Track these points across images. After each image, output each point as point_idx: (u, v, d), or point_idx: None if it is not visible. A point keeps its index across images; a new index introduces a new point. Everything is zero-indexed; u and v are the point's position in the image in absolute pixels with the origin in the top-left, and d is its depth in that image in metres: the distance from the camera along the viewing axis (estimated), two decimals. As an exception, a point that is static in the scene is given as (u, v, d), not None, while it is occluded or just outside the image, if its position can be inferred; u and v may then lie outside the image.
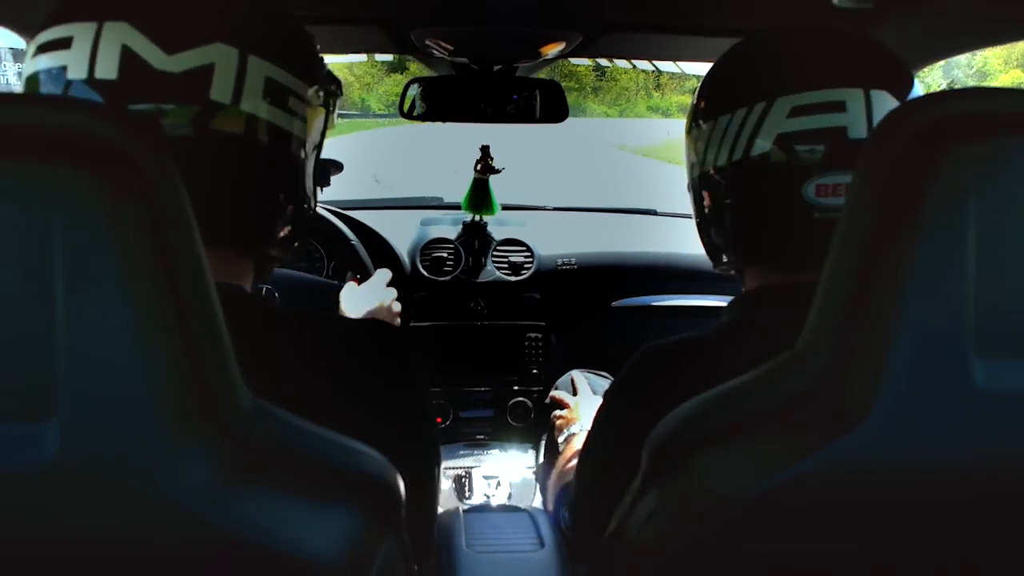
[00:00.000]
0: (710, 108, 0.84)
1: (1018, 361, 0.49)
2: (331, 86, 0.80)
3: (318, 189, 0.84)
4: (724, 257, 0.90)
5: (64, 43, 0.64)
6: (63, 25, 0.65)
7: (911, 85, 0.79)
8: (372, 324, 0.80)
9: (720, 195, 0.84)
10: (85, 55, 0.63)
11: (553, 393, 1.56)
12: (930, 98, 0.51)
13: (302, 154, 0.75)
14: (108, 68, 0.63)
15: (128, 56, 0.63)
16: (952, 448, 0.51)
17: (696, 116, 0.87)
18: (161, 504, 0.45)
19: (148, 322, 0.44)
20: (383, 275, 1.45)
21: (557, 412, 1.46)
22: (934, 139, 0.49)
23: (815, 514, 0.54)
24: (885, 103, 0.75)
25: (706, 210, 0.88)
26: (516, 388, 2.09)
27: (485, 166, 2.00)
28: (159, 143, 0.46)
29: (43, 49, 0.66)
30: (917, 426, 0.50)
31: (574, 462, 1.06)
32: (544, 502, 1.41)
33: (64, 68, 0.64)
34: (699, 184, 0.88)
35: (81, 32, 0.64)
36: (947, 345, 0.49)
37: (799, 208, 0.77)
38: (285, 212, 0.76)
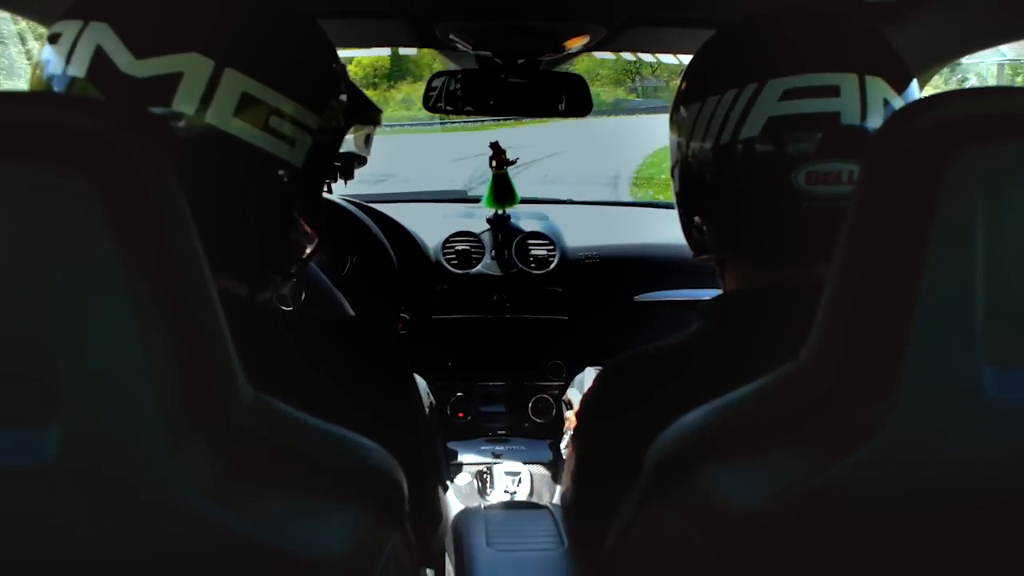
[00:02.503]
0: (698, 89, 0.81)
1: None
2: (350, 110, 0.77)
3: (341, 182, 0.83)
4: (705, 246, 0.87)
5: (55, 38, 0.66)
6: (63, 21, 0.66)
7: (907, 74, 0.76)
8: (367, 324, 0.79)
9: (705, 179, 0.81)
10: (65, 51, 0.64)
11: (568, 393, 1.56)
12: (935, 99, 0.49)
13: (287, 176, 0.71)
14: (79, 67, 0.64)
15: (99, 57, 0.63)
16: (966, 458, 0.50)
17: (683, 97, 0.84)
18: (163, 502, 0.45)
19: (147, 319, 0.44)
20: None
21: (567, 414, 1.46)
22: (940, 143, 0.47)
23: (827, 530, 0.52)
24: (880, 90, 0.73)
25: (690, 194, 0.85)
26: (538, 383, 2.09)
27: (500, 161, 2.01)
28: (158, 142, 0.46)
29: (47, 41, 0.67)
30: (930, 437, 0.49)
31: (570, 461, 1.05)
32: None
33: (49, 62, 0.66)
34: (684, 167, 0.85)
35: (69, 29, 0.65)
36: (958, 354, 0.48)
37: (787, 196, 0.74)
38: (266, 244, 0.73)
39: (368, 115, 0.81)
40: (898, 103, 0.73)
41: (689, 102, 0.82)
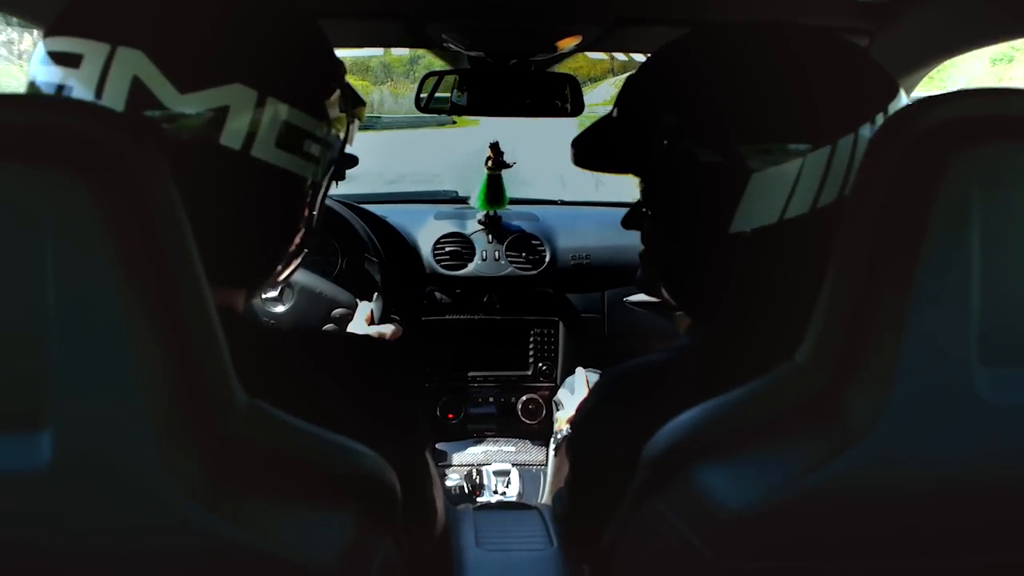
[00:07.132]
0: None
1: (1020, 370, 0.49)
2: (351, 111, 0.76)
3: (333, 183, 0.82)
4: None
5: (73, 60, 0.61)
6: (74, 38, 0.61)
7: (894, 94, 0.71)
8: (369, 341, 0.79)
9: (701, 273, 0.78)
10: (93, 80, 0.60)
11: (558, 395, 1.56)
12: (932, 101, 0.49)
13: (310, 194, 0.72)
14: (115, 98, 0.60)
15: (138, 88, 0.60)
16: (956, 460, 0.50)
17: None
18: (156, 509, 0.45)
19: (141, 326, 0.43)
20: (364, 308, 1.48)
21: (557, 415, 1.47)
22: (937, 145, 0.47)
23: (818, 529, 0.53)
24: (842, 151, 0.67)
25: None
26: (528, 384, 2.09)
27: (496, 162, 2.01)
28: (155, 146, 0.45)
29: (51, 59, 0.62)
30: (921, 438, 0.49)
31: (563, 469, 1.05)
32: None
33: (71, 88, 0.61)
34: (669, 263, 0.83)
35: (93, 53, 0.60)
36: (951, 356, 0.48)
37: None
38: (284, 254, 0.74)
39: (355, 109, 0.80)
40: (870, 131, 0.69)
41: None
